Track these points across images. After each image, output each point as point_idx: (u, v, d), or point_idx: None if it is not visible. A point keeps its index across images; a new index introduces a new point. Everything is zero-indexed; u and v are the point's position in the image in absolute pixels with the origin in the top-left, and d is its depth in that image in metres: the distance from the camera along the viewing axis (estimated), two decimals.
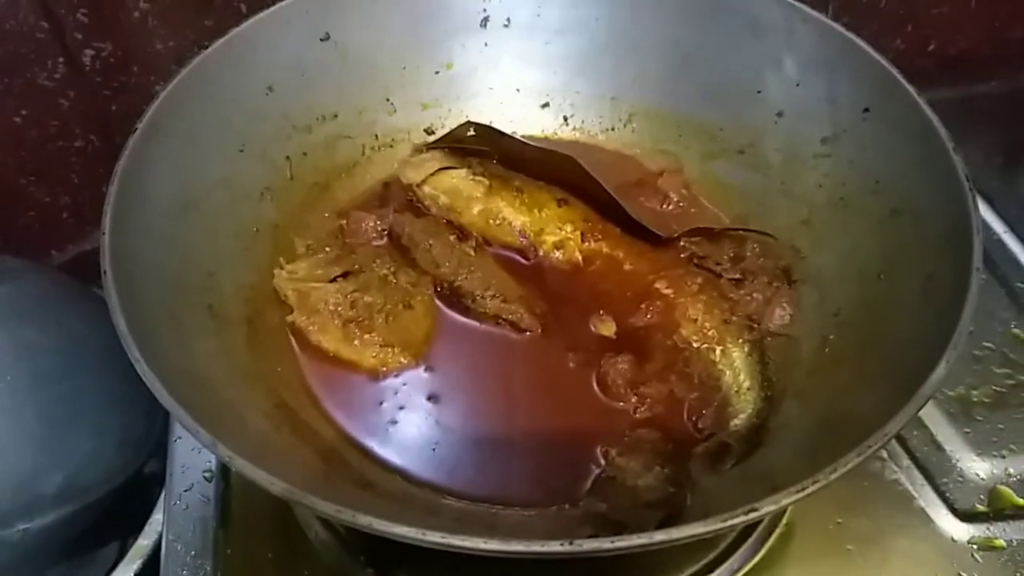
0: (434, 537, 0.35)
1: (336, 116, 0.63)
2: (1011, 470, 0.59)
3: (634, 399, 0.53)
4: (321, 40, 0.60)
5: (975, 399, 0.62)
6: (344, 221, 0.62)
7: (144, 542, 0.67)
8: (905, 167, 0.52)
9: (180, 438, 0.60)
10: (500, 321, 0.57)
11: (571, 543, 0.34)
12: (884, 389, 0.43)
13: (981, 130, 0.82)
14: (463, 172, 0.63)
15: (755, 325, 0.56)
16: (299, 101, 0.60)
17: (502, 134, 0.63)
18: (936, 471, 0.58)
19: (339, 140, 0.64)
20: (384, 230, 0.61)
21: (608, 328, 0.56)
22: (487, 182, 0.63)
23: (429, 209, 0.63)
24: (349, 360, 0.55)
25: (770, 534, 0.55)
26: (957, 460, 0.59)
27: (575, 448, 0.51)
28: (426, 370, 0.55)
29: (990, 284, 0.70)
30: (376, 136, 0.65)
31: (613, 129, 0.68)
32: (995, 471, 0.59)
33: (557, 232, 0.61)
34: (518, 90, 0.67)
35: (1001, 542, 0.55)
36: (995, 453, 0.59)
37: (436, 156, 0.64)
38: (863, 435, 0.38)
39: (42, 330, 0.65)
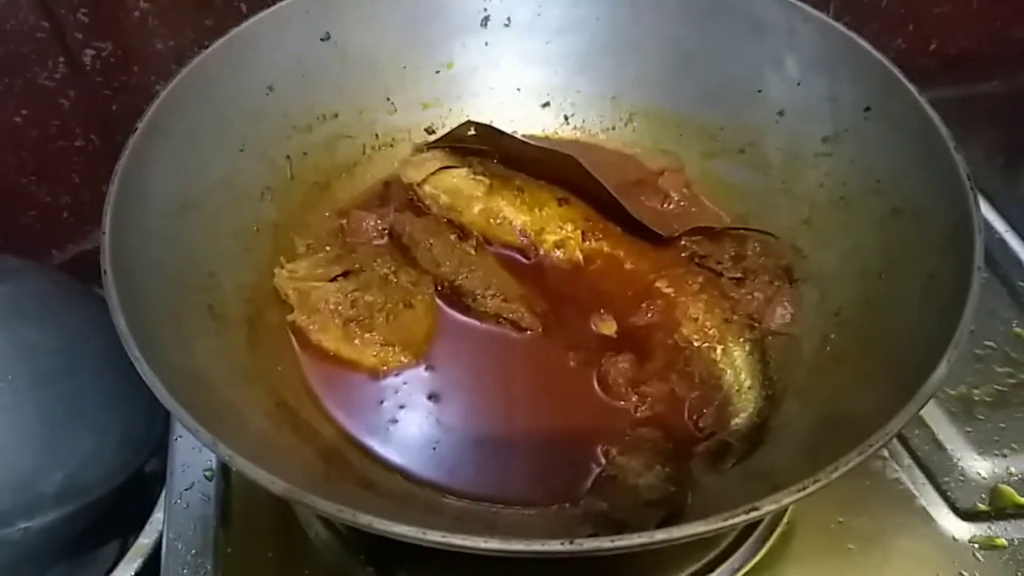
0: (434, 536, 0.35)
1: (336, 116, 0.63)
2: (1012, 469, 0.59)
3: (635, 398, 0.52)
4: (321, 40, 0.60)
5: (976, 398, 0.62)
6: (344, 220, 0.62)
7: (145, 541, 0.67)
8: (906, 166, 0.52)
9: (181, 437, 0.60)
10: (501, 320, 0.57)
11: (571, 542, 0.34)
12: (885, 388, 0.43)
13: (982, 129, 0.82)
14: (464, 171, 0.63)
15: (756, 324, 0.56)
16: (299, 101, 0.60)
17: (503, 133, 0.63)
18: (937, 470, 0.58)
19: (339, 139, 0.63)
20: (385, 229, 0.61)
21: (609, 327, 0.56)
22: (488, 181, 0.63)
23: (430, 208, 0.63)
24: (349, 359, 0.55)
25: (771, 533, 0.55)
26: (958, 459, 0.59)
27: (576, 447, 0.51)
28: (426, 369, 0.55)
29: (991, 283, 0.69)
30: (376, 135, 0.65)
31: (614, 128, 0.68)
32: (996, 470, 0.59)
33: (558, 231, 0.61)
34: (519, 89, 0.67)
35: (1002, 541, 0.55)
36: (996, 452, 0.59)
37: (437, 155, 0.64)
38: (864, 434, 0.38)
39: (43, 330, 0.65)
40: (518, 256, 0.61)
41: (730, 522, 0.35)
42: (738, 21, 0.60)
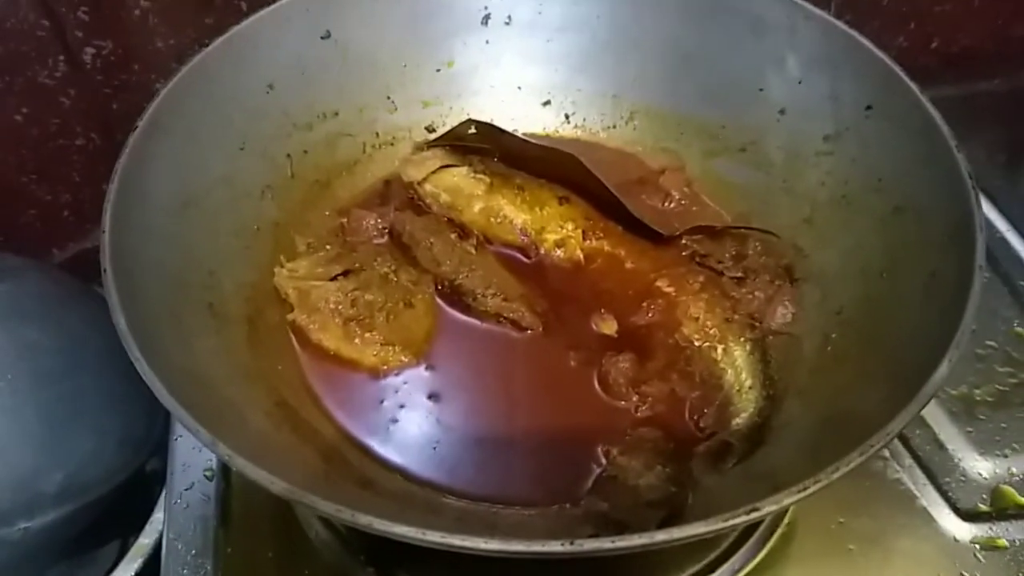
0: (434, 537, 0.34)
1: (337, 114, 0.63)
2: (1014, 469, 0.58)
3: (635, 398, 0.52)
4: (322, 38, 0.60)
5: (978, 398, 0.62)
6: (345, 219, 0.62)
7: (145, 541, 0.67)
8: (908, 165, 0.52)
9: (181, 437, 0.60)
10: (501, 319, 0.57)
11: (572, 543, 0.34)
12: (886, 388, 0.43)
13: (984, 128, 0.82)
14: (464, 170, 0.63)
15: (757, 323, 0.56)
16: (300, 99, 0.60)
17: (503, 132, 0.63)
18: (939, 470, 0.58)
19: (340, 138, 0.63)
20: (385, 228, 0.61)
21: (609, 326, 0.56)
22: (488, 180, 0.62)
23: (430, 207, 0.63)
24: (350, 358, 0.55)
25: (772, 534, 0.55)
26: (960, 459, 0.59)
27: (576, 447, 0.51)
28: (427, 369, 0.55)
29: (993, 282, 0.69)
30: (377, 134, 0.65)
31: (615, 127, 0.68)
32: (998, 470, 0.58)
33: (558, 230, 0.61)
34: (519, 88, 0.67)
35: (1004, 542, 0.55)
36: (998, 452, 0.59)
37: (437, 154, 0.64)
38: (865, 434, 0.38)
39: (42, 329, 0.65)
40: (518, 255, 0.61)
41: (731, 523, 0.35)
42: (739, 19, 0.59)
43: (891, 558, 0.54)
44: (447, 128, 0.65)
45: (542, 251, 0.61)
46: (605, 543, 0.34)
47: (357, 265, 0.58)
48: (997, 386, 0.63)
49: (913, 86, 0.51)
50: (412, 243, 0.60)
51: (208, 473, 0.58)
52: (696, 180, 0.64)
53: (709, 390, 0.53)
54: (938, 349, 0.40)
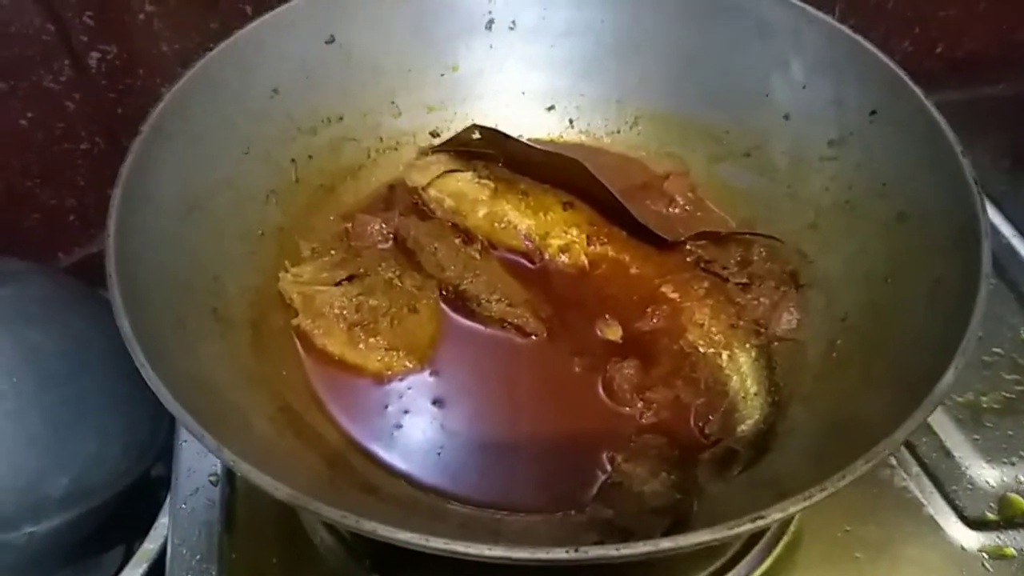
0: (438, 543, 0.34)
1: (341, 118, 0.63)
2: (1021, 477, 0.58)
3: (640, 404, 0.52)
4: (326, 42, 0.60)
5: (984, 405, 0.62)
6: (349, 224, 0.62)
7: (149, 546, 0.67)
8: (912, 170, 0.52)
9: (186, 441, 0.60)
10: (505, 325, 0.57)
11: (576, 550, 0.34)
12: (892, 395, 0.43)
13: (989, 133, 0.81)
14: (468, 175, 0.63)
15: (762, 329, 0.56)
16: (304, 103, 0.60)
17: (507, 137, 0.63)
18: (945, 478, 0.58)
19: (344, 143, 0.63)
20: (389, 233, 0.61)
21: (614, 332, 0.56)
22: (492, 185, 0.62)
23: (434, 212, 0.63)
24: (354, 364, 0.55)
25: (778, 541, 0.54)
26: (967, 467, 0.59)
27: (581, 453, 0.51)
28: (431, 374, 0.55)
29: (999, 289, 0.69)
30: (381, 139, 0.65)
31: (619, 132, 0.68)
32: (1005, 478, 0.58)
33: (563, 235, 0.61)
34: (523, 93, 0.67)
35: (1011, 551, 0.55)
36: (1005, 460, 0.59)
37: (441, 159, 0.64)
38: (871, 442, 0.37)
39: (47, 332, 0.65)
40: (523, 260, 0.61)
41: (736, 531, 0.35)
42: (743, 24, 0.59)
43: (898, 566, 0.54)
44: (451, 133, 0.65)
45: (546, 256, 0.60)
46: (610, 550, 0.34)
47: (361, 270, 0.58)
48: (1004, 393, 0.62)
49: (918, 91, 0.51)
50: (416, 248, 0.60)
51: (213, 478, 0.58)
52: (700, 185, 0.64)
53: (714, 396, 0.53)
54: (944, 356, 0.40)
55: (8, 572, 0.63)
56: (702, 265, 0.59)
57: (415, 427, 0.52)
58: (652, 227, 0.59)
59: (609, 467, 0.50)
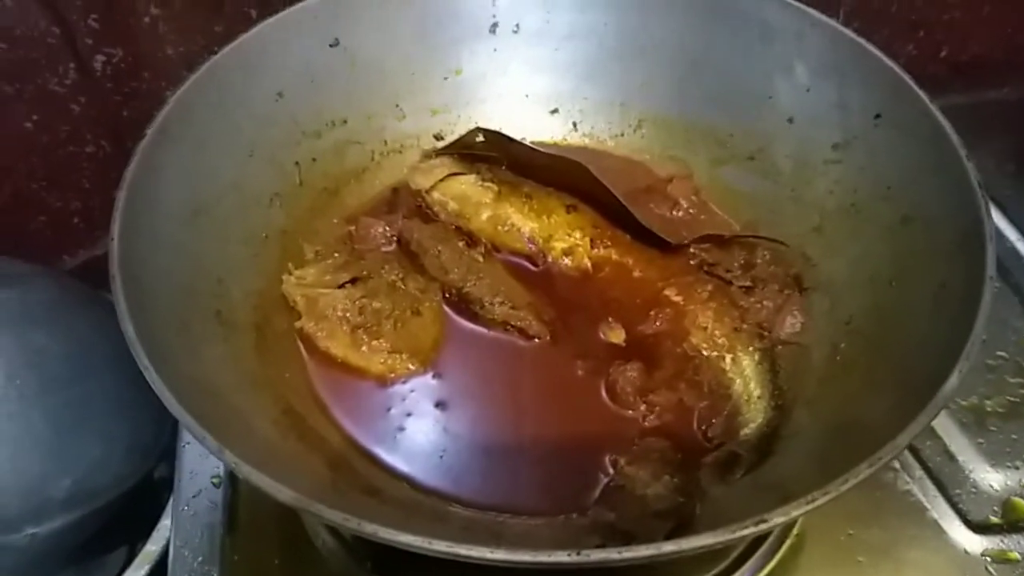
0: (440, 546, 0.34)
1: (345, 122, 0.63)
2: None
3: (643, 407, 0.52)
4: (330, 46, 0.60)
5: (989, 409, 0.61)
6: (353, 227, 0.62)
7: (152, 548, 0.67)
8: (917, 173, 0.52)
9: (189, 443, 0.60)
10: (508, 328, 0.57)
11: (579, 553, 0.34)
12: (896, 398, 0.43)
13: (993, 136, 0.81)
14: (472, 178, 0.63)
15: (766, 333, 0.56)
16: (308, 106, 0.61)
17: (511, 140, 0.63)
18: (949, 482, 0.58)
19: (348, 146, 0.64)
20: (393, 236, 0.61)
21: (617, 335, 0.56)
22: (496, 188, 0.63)
23: (438, 215, 0.63)
24: (357, 366, 0.55)
25: (781, 545, 0.54)
26: (970, 471, 0.58)
27: (583, 456, 0.51)
28: (434, 377, 0.55)
29: (1003, 292, 0.69)
30: (385, 142, 0.65)
31: (622, 135, 0.68)
32: (1009, 482, 0.58)
33: (566, 238, 0.61)
34: (527, 96, 0.67)
35: (1015, 555, 0.54)
36: (1009, 464, 0.59)
37: (445, 162, 0.64)
38: (875, 445, 0.37)
39: (51, 335, 0.65)
40: (526, 263, 0.61)
41: (739, 534, 0.35)
42: (747, 27, 0.59)
43: (901, 570, 0.54)
44: (455, 136, 0.65)
45: (550, 259, 0.60)
46: (612, 553, 0.34)
47: (365, 273, 0.58)
48: (1008, 397, 0.62)
49: (922, 94, 0.51)
50: (420, 251, 0.60)
51: (215, 480, 0.58)
52: (704, 188, 0.64)
53: (717, 400, 0.53)
54: (948, 359, 0.40)
55: (10, 573, 0.63)
56: (706, 268, 0.59)
57: (418, 430, 0.52)
58: (656, 230, 0.59)
59: (612, 470, 0.50)
